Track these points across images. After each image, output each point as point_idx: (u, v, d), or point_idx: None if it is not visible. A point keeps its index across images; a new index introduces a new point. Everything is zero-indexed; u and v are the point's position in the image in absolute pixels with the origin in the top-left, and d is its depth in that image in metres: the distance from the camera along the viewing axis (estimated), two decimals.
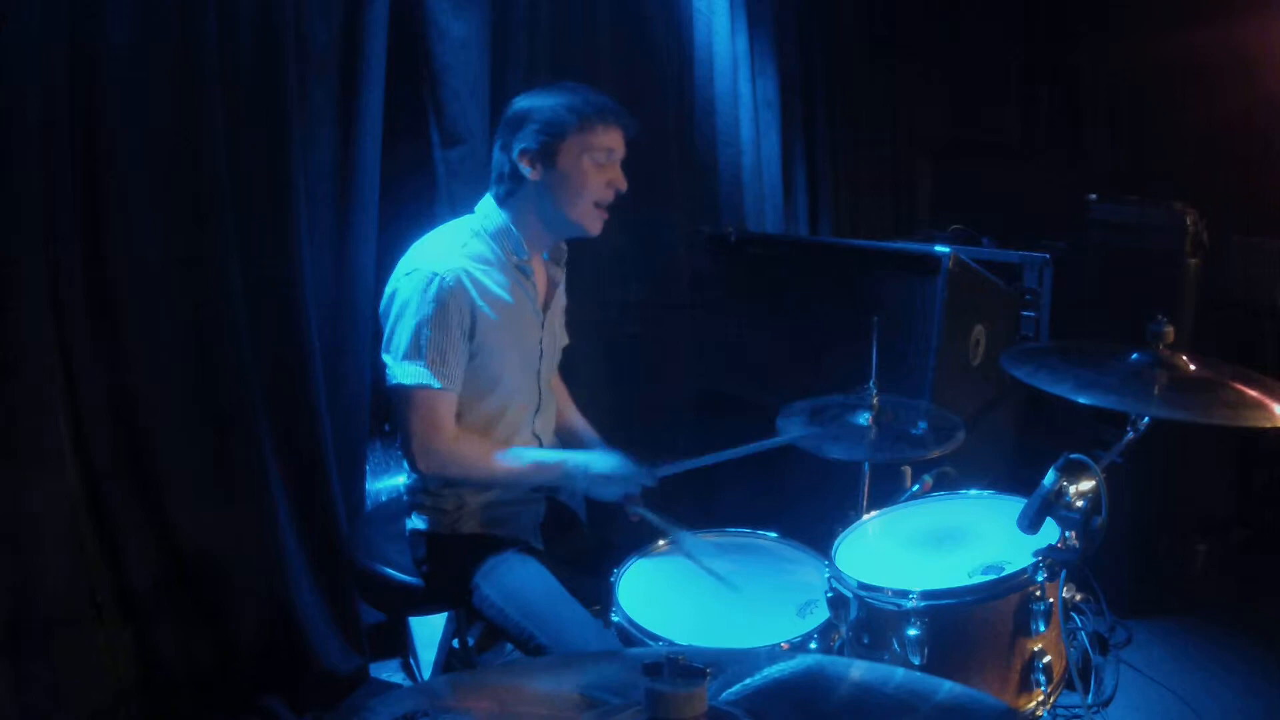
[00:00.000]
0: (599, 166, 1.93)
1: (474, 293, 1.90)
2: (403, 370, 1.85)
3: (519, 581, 1.91)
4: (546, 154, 1.90)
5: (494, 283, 1.94)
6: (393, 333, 1.89)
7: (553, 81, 2.00)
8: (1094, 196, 3.25)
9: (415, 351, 1.84)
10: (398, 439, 1.89)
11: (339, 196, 2.47)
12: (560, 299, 2.16)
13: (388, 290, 1.93)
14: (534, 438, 2.10)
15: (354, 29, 2.41)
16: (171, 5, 2.09)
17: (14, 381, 1.96)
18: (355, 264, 2.49)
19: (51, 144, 1.97)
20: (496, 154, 1.98)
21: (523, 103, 1.95)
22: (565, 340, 2.25)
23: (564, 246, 2.11)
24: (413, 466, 1.90)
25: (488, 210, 2.00)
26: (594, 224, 1.98)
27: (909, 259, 2.84)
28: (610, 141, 1.93)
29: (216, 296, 2.24)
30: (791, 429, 2.14)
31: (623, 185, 1.97)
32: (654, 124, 3.23)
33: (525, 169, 1.92)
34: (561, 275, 2.14)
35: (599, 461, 1.99)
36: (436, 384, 1.85)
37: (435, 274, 1.86)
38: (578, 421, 2.29)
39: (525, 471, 1.96)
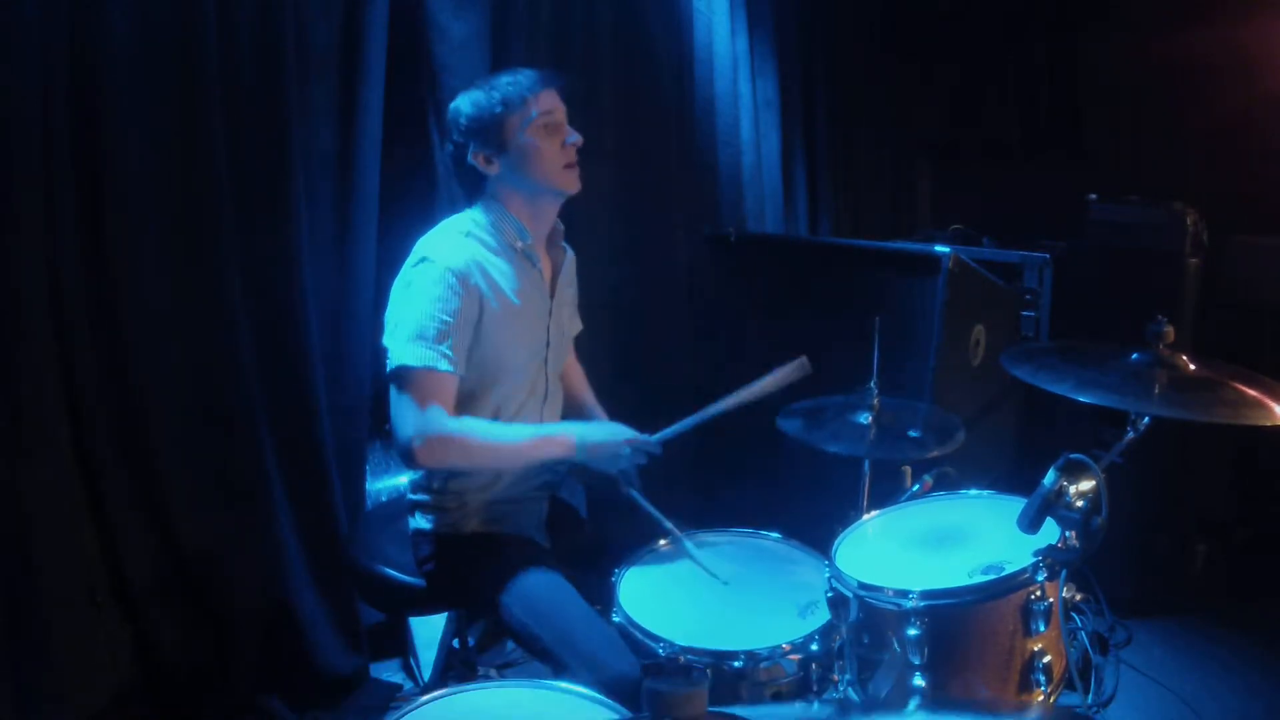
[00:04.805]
0: (546, 131, 1.94)
1: (483, 284, 1.91)
2: (408, 351, 1.83)
3: (548, 604, 1.86)
4: (494, 146, 1.93)
5: (501, 273, 1.96)
6: (399, 319, 1.88)
7: None
8: (1094, 196, 3.24)
9: (423, 334, 1.84)
10: (393, 431, 1.86)
11: (339, 196, 2.47)
12: (567, 288, 2.16)
13: (397, 281, 1.93)
14: None
15: (354, 29, 2.41)
16: (171, 5, 2.09)
17: (14, 381, 1.97)
18: (355, 264, 2.49)
19: (51, 144, 1.97)
20: (450, 163, 2.01)
21: (454, 107, 1.97)
22: (578, 327, 2.27)
23: (560, 226, 2.10)
24: (406, 456, 1.83)
25: (477, 210, 2.02)
26: (571, 183, 1.99)
27: (909, 259, 2.84)
28: (544, 105, 1.94)
29: (217, 297, 2.24)
30: (792, 427, 2.15)
31: (577, 139, 1.98)
32: (654, 124, 3.23)
33: (483, 168, 1.96)
34: (564, 258, 2.14)
35: (598, 429, 2.02)
36: (442, 366, 1.84)
37: (447, 264, 1.88)
38: (589, 401, 2.31)
39: (528, 446, 1.94)
